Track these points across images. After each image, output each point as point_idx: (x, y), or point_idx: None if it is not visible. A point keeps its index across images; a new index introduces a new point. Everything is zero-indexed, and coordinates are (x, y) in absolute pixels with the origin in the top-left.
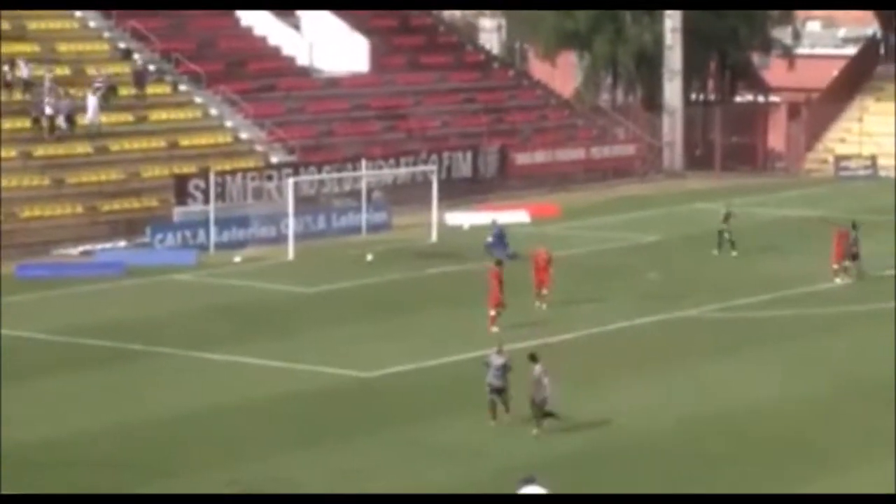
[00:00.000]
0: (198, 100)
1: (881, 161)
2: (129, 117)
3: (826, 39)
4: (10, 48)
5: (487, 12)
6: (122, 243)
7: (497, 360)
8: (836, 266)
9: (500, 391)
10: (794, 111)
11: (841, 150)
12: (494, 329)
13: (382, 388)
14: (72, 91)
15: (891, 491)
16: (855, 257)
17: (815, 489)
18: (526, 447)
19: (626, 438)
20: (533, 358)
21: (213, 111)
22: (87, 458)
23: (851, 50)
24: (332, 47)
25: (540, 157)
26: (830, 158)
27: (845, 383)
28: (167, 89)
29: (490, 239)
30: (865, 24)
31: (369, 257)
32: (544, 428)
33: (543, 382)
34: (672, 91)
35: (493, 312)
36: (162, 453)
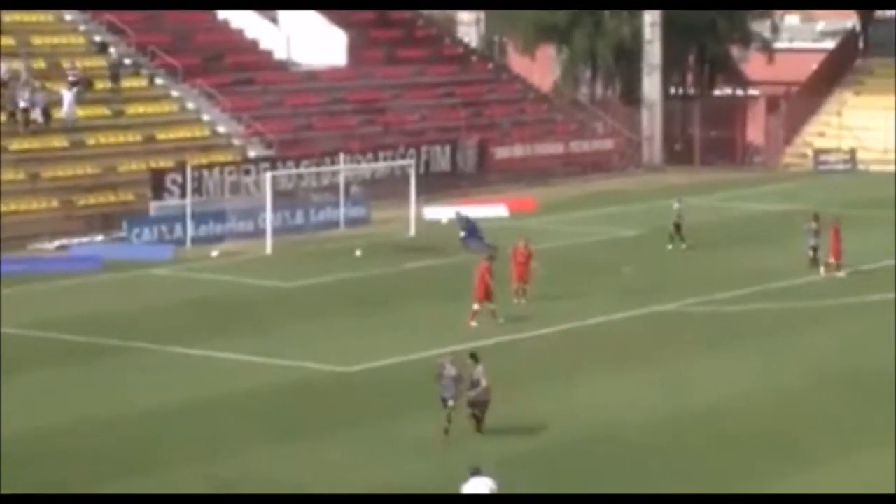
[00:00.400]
0: (174, 93)
1: (860, 155)
2: (105, 111)
3: (805, 33)
4: None
5: None
6: (99, 238)
7: (451, 371)
8: (831, 261)
9: (447, 401)
10: (773, 105)
11: (820, 143)
12: (474, 324)
13: (360, 383)
14: (47, 84)
15: (869, 484)
16: (814, 250)
17: (793, 484)
18: (502, 442)
19: (602, 433)
20: (474, 357)
21: (190, 105)
22: (63, 453)
23: (830, 44)
24: (310, 41)
25: (519, 151)
26: (809, 152)
27: (825, 377)
28: (143, 83)
29: (463, 233)
30: (844, 17)
31: (358, 253)
32: (476, 427)
33: (483, 384)
34: (651, 85)
35: (476, 307)
36: (139, 448)
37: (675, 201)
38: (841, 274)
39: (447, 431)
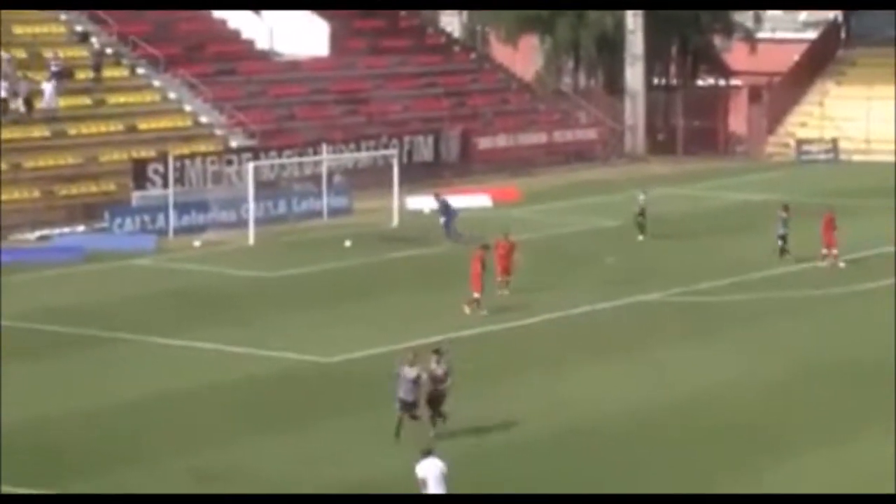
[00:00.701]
0: (156, 83)
1: (842, 145)
2: (86, 101)
3: (787, 23)
4: None
5: None
6: (81, 228)
7: (410, 373)
8: (824, 251)
9: (412, 406)
10: (755, 95)
11: (802, 133)
12: (467, 310)
13: (343, 374)
14: (29, 74)
15: (853, 474)
16: (783, 239)
17: (776, 474)
18: (486, 433)
19: (586, 424)
20: (438, 352)
21: (172, 95)
22: (46, 445)
23: (812, 34)
24: (292, 30)
25: (502, 141)
26: (791, 142)
27: (808, 368)
28: (125, 73)
29: (443, 219)
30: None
31: (347, 243)
32: (439, 427)
33: (448, 381)
34: (634, 75)
35: (476, 295)
36: (122, 439)
37: (640, 192)
38: (823, 264)
39: (398, 434)
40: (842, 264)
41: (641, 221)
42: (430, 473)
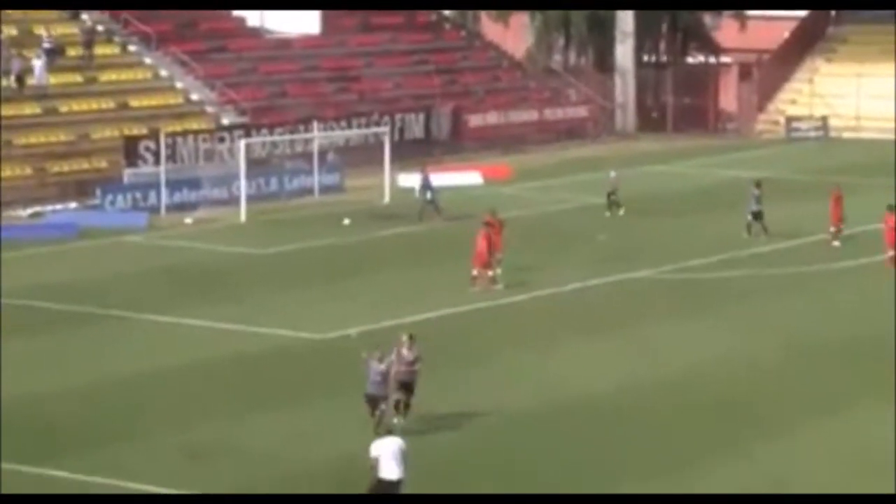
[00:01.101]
0: (147, 60)
1: (832, 122)
2: (77, 78)
3: None
4: None
5: None
6: (73, 205)
7: (379, 367)
8: (833, 229)
9: (379, 400)
10: (745, 72)
11: (792, 111)
12: (475, 289)
13: (335, 351)
14: (23, 52)
15: (838, 452)
16: (757, 216)
17: (765, 451)
18: (475, 412)
19: (575, 401)
20: (412, 338)
21: (164, 72)
22: (39, 422)
23: (802, 11)
24: (283, 8)
25: (493, 118)
26: (781, 119)
27: (797, 345)
28: (116, 50)
29: (429, 196)
30: None
31: (346, 221)
32: (403, 418)
33: (416, 367)
34: (624, 52)
35: (475, 272)
36: (115, 416)
37: (611, 171)
38: (834, 241)
39: (377, 432)
40: (836, 243)
41: (615, 199)
42: (385, 451)
